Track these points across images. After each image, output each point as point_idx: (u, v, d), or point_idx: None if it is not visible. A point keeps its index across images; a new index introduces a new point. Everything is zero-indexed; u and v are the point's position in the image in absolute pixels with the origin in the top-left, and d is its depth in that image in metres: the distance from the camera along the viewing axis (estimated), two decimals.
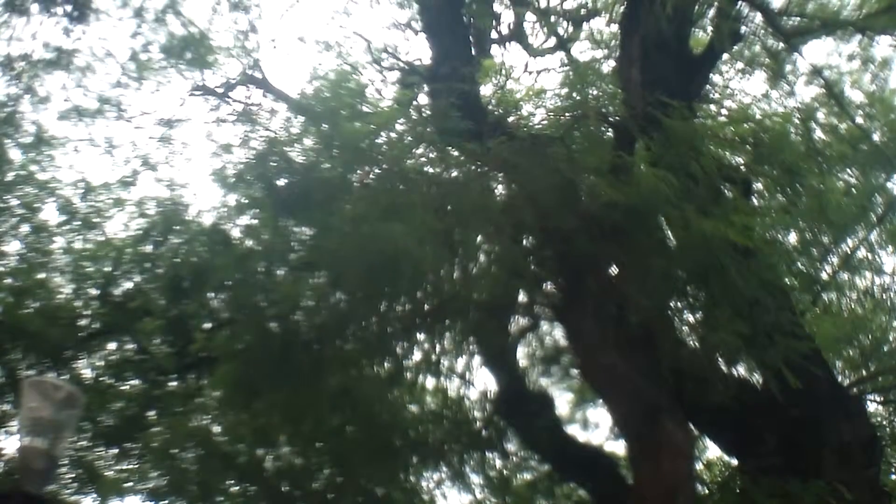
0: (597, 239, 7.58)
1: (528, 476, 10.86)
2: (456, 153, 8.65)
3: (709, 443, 9.37)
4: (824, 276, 10.22)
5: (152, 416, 10.73)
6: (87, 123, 11.17)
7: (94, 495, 11.29)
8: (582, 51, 11.57)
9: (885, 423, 9.66)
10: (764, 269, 7.29)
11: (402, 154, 8.51)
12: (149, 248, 10.81)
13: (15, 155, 11.04)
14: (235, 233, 9.38)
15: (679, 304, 8.23)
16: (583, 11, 11.35)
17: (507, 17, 11.34)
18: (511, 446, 10.27)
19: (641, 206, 7.23)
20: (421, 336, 9.12)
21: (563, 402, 11.13)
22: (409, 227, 7.28)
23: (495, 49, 11.17)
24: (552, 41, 11.60)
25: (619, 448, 9.82)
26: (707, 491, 9.86)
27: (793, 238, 9.84)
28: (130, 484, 11.12)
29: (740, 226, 6.86)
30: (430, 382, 10.28)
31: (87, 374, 10.81)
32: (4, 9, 9.70)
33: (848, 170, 9.98)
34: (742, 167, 8.21)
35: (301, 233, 8.69)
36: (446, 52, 9.62)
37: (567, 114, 8.60)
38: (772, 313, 7.19)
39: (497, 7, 10.89)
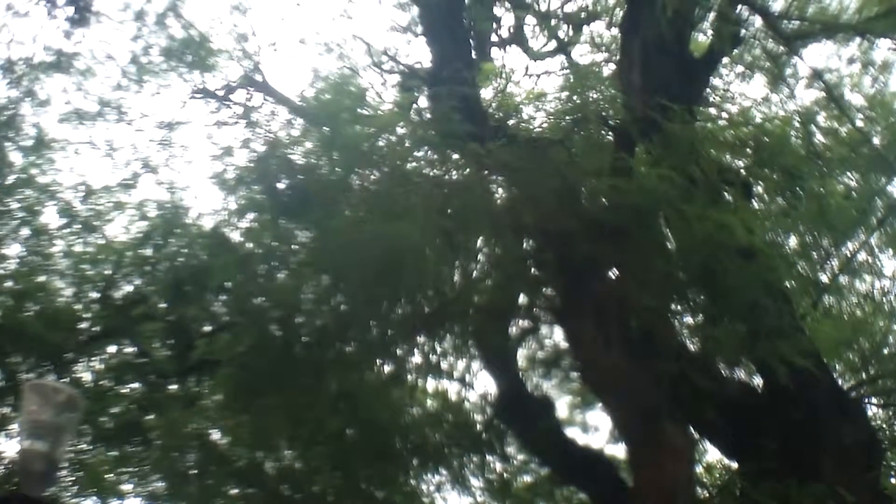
0: (597, 241, 7.58)
1: (528, 479, 10.86)
2: (456, 156, 8.65)
3: (709, 446, 9.35)
4: (824, 279, 10.20)
5: (152, 419, 10.71)
6: (88, 126, 11.18)
7: (94, 498, 11.28)
8: (582, 54, 11.59)
9: (885, 426, 9.62)
10: (764, 272, 7.28)
11: (403, 157, 8.51)
12: (149, 251, 10.80)
13: (15, 158, 11.04)
14: (236, 235, 9.38)
15: (679, 306, 8.23)
16: (583, 15, 11.36)
17: (508, 20, 11.37)
18: (511, 449, 10.26)
19: (642, 209, 7.24)
20: (421, 339, 9.13)
21: (563, 404, 11.12)
22: (410, 229, 7.28)
23: (496, 52, 11.18)
24: (552, 44, 11.61)
25: (619, 451, 9.80)
26: (707, 494, 9.84)
27: (793, 241, 9.84)
28: (130, 487, 11.12)
29: (742, 225, 6.86)
30: (430, 385, 10.30)
31: (88, 377, 10.80)
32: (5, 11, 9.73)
33: (848, 173, 9.94)
34: (742, 170, 8.22)
35: (302, 235, 8.70)
36: (447, 56, 9.61)
37: (567, 117, 8.60)
38: (772, 316, 7.19)
39: (497, 10, 10.90)
